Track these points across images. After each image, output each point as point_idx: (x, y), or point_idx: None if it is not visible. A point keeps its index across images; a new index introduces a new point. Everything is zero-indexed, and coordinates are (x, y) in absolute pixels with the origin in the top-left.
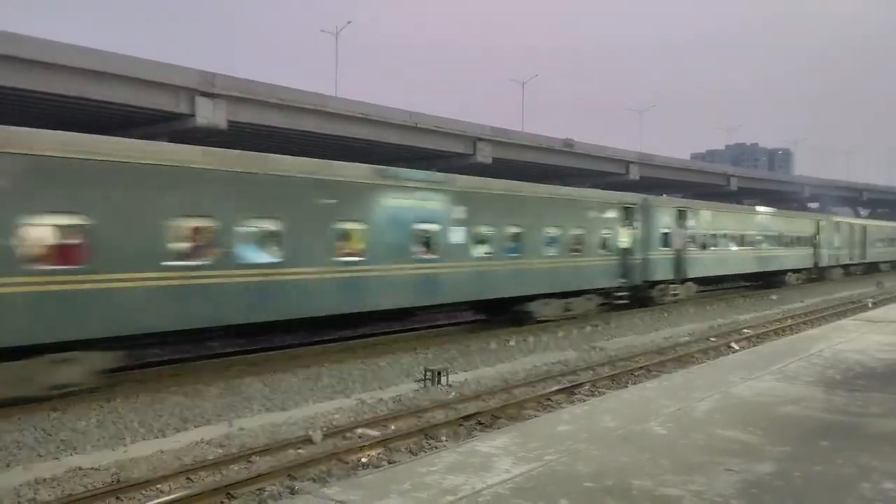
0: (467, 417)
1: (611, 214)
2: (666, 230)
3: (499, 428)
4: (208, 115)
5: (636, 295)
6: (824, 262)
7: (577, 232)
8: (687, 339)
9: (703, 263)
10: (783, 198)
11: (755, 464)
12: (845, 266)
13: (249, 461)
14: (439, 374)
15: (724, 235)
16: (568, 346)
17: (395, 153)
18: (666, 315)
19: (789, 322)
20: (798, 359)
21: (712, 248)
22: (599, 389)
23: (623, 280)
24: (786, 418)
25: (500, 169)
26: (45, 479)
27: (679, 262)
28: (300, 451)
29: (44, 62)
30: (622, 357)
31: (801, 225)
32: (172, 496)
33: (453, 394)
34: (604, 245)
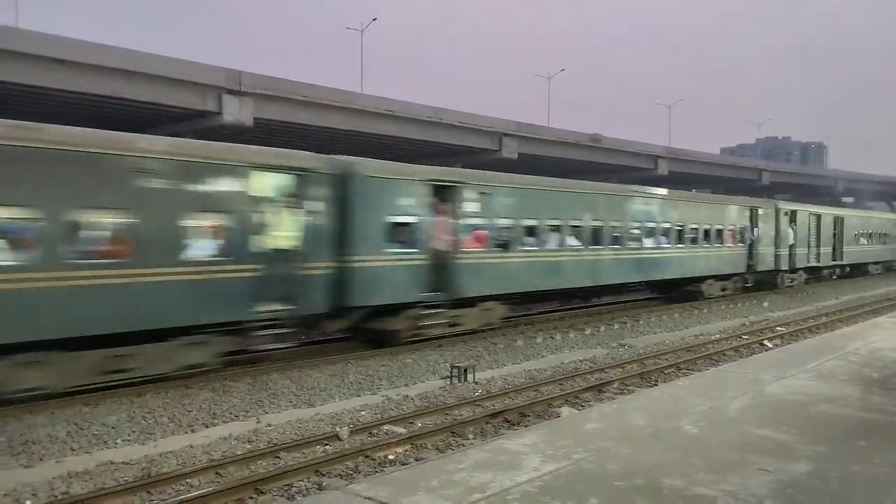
0: (494, 415)
1: (235, 187)
2: (403, 219)
3: (526, 426)
4: (235, 112)
5: (348, 329)
6: (765, 265)
7: (114, 221)
8: (718, 336)
9: (506, 274)
10: (817, 192)
11: (790, 463)
12: (810, 269)
13: (277, 457)
14: (466, 371)
15: (557, 228)
16: (596, 343)
17: (420, 149)
18: (696, 312)
19: (824, 319)
20: (834, 357)
21: (528, 248)
22: (628, 387)
23: (278, 306)
24: (821, 417)
25: (526, 165)
26: (77, 473)
27: (442, 271)
28: (327, 447)
29: (74, 61)
30: (651, 354)
31: (720, 214)
32: (202, 491)
33: (480, 391)
34: (226, 244)
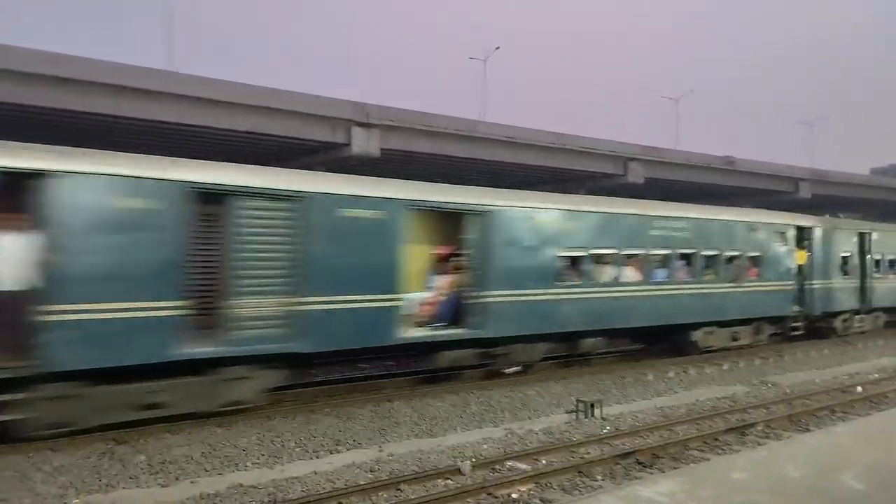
0: (624, 455)
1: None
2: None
3: (661, 470)
4: (363, 143)
5: None
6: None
7: None
8: (878, 375)
9: None
10: None
11: None
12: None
13: (398, 489)
14: (592, 405)
15: None
16: (735, 380)
17: (543, 175)
18: (850, 348)
19: None
20: None
21: None
22: (775, 431)
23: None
24: None
25: (653, 189)
26: (208, 494)
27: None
28: (448, 481)
29: (227, 102)
30: (800, 394)
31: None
32: None
33: (608, 428)
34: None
